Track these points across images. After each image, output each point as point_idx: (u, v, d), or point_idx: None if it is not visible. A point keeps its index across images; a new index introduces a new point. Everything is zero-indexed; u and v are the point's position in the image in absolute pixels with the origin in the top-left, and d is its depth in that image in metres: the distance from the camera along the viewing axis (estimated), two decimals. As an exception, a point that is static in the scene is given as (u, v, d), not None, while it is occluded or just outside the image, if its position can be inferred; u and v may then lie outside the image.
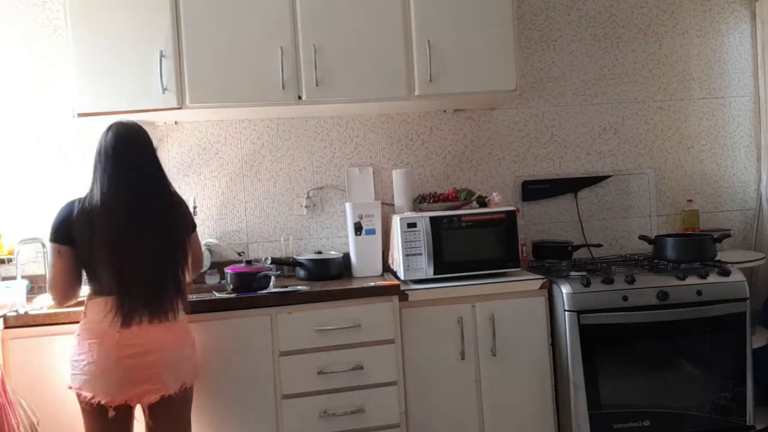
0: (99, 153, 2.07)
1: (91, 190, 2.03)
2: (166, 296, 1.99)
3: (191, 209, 2.84)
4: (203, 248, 2.86)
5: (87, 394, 1.93)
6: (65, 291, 2.05)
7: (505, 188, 3.19)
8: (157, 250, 2.00)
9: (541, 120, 3.23)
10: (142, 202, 2.01)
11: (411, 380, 2.55)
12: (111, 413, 1.92)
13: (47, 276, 2.07)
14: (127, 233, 1.96)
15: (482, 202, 2.89)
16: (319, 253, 2.90)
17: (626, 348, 2.57)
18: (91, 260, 1.97)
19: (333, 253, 2.91)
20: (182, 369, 2.01)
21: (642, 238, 2.99)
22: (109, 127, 2.09)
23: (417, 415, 2.55)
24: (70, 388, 2.00)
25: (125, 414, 1.98)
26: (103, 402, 1.92)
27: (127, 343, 1.91)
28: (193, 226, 2.23)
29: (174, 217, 2.08)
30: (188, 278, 2.14)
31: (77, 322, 2.28)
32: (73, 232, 1.97)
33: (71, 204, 2.03)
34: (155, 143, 2.94)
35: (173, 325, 2.00)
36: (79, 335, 1.98)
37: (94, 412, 1.95)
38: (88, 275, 2.02)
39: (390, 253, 2.85)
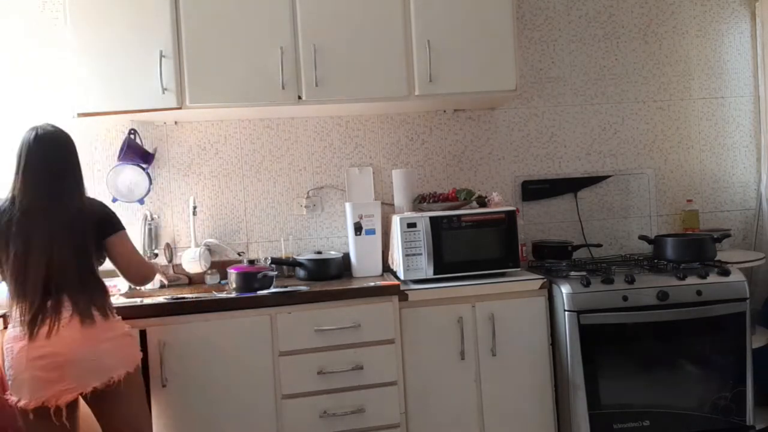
0: (19, 154, 2.03)
1: (11, 190, 2.02)
2: (78, 300, 1.99)
3: (192, 209, 2.85)
4: (202, 248, 2.87)
5: (14, 398, 1.94)
6: None
7: (505, 188, 3.19)
8: (64, 255, 1.99)
9: (541, 120, 3.24)
10: (53, 209, 2.00)
11: (411, 380, 2.55)
12: (31, 416, 1.93)
13: None
14: (33, 241, 1.96)
15: (482, 202, 2.89)
16: (319, 253, 2.90)
17: (626, 348, 2.57)
18: (6, 266, 1.99)
19: (333, 253, 2.91)
20: (101, 365, 1.99)
21: (642, 238, 2.99)
22: (33, 129, 2.07)
23: (417, 415, 2.55)
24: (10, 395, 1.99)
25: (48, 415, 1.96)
26: (21, 404, 1.93)
27: (36, 347, 1.93)
28: (116, 230, 2.13)
29: (82, 222, 2.04)
30: (128, 283, 2.26)
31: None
32: None
33: None
34: (155, 143, 2.97)
35: (88, 327, 1.98)
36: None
37: (26, 417, 1.96)
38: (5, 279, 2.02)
39: (390, 253, 2.85)
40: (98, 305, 2.03)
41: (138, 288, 2.70)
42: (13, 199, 2.00)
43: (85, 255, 2.04)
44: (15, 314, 1.97)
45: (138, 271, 2.20)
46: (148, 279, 2.25)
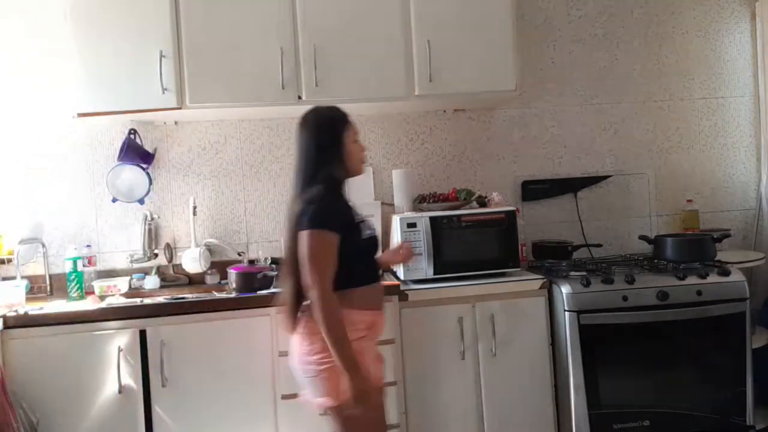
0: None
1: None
2: None
3: (192, 209, 2.85)
4: (202, 248, 2.87)
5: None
6: None
7: (505, 188, 3.18)
8: None
9: (541, 120, 3.23)
10: None
11: (411, 380, 2.54)
12: None
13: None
14: None
15: (482, 202, 2.89)
16: (319, 253, 2.89)
17: (626, 348, 2.57)
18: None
19: (333, 253, 2.90)
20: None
21: (642, 238, 2.99)
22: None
23: (417, 415, 2.55)
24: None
25: None
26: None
27: None
28: (300, 227, 1.90)
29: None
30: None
31: (75, 323, 2.30)
32: None
33: None
34: (155, 143, 2.97)
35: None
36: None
37: None
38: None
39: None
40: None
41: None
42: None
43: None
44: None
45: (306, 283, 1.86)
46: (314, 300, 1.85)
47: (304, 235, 1.84)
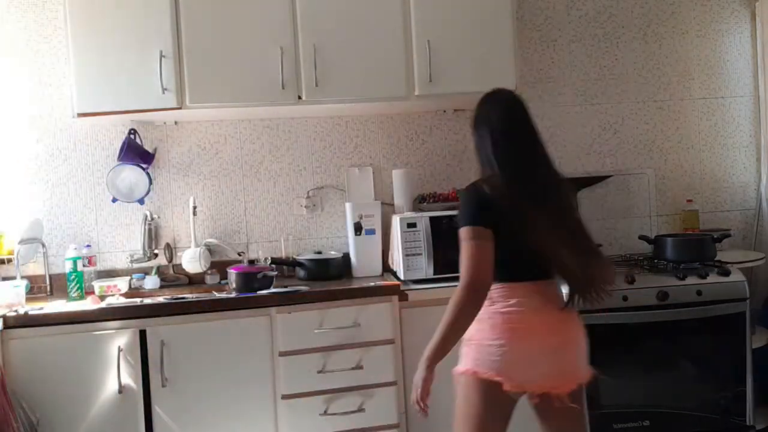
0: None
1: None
2: None
3: (192, 209, 2.85)
4: (202, 248, 2.86)
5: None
6: None
7: (505, 188, 3.18)
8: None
9: (541, 120, 3.20)
10: None
11: (411, 380, 2.53)
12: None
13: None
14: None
15: (482, 202, 2.88)
16: (319, 253, 2.90)
17: (626, 348, 2.57)
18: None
19: (333, 253, 2.91)
20: None
21: (642, 238, 2.98)
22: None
23: (417, 415, 2.54)
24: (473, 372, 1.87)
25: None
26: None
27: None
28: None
29: None
30: None
31: (75, 323, 2.30)
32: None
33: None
34: (155, 143, 2.97)
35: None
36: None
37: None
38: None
39: (390, 253, 2.85)
40: None
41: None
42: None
43: None
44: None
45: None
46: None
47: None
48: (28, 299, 2.60)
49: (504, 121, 1.90)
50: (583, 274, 1.83)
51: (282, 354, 2.42)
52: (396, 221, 2.70)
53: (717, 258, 2.80)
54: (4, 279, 2.72)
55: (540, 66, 3.22)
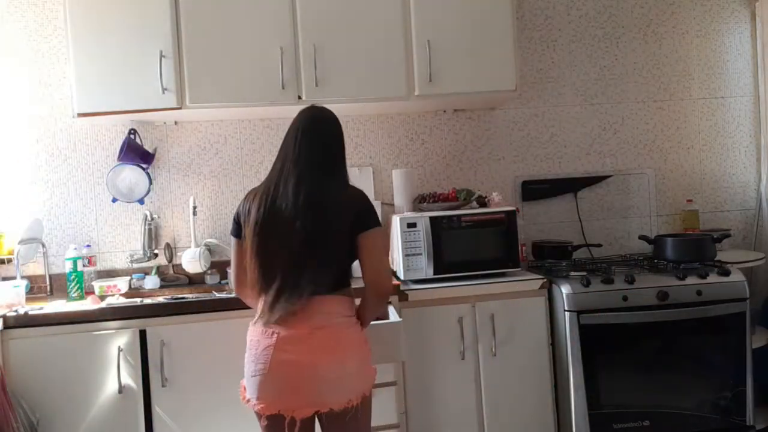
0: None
1: None
2: None
3: (192, 209, 2.85)
4: (202, 248, 2.86)
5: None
6: None
7: (505, 188, 3.19)
8: None
9: (541, 120, 3.23)
10: None
11: (411, 380, 2.54)
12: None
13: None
14: None
15: (482, 202, 2.89)
16: (319, 253, 2.89)
17: (626, 348, 2.57)
18: None
19: (333, 253, 2.90)
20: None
21: (642, 238, 2.98)
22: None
23: (417, 415, 2.55)
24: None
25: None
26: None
27: None
28: None
29: None
30: None
31: (75, 323, 2.30)
32: None
33: None
34: (155, 143, 2.97)
35: None
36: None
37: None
38: None
39: (390, 253, 2.85)
40: None
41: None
42: None
43: None
44: None
45: None
46: None
47: (377, 233, 1.85)
48: (28, 299, 2.60)
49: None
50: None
51: (282, 354, 2.42)
52: (396, 221, 2.70)
53: (717, 258, 2.80)
54: (4, 279, 2.72)
55: (540, 66, 3.22)
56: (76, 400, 2.31)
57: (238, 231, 1.92)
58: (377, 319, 2.00)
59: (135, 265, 2.89)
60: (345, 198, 1.86)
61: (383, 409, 2.47)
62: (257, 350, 1.82)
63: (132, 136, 2.87)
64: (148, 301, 2.51)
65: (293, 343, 1.78)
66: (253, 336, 1.86)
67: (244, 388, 1.90)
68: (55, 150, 2.91)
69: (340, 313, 1.82)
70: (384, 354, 2.00)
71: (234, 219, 1.94)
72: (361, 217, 1.83)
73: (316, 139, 1.92)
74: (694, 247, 2.80)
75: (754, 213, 3.33)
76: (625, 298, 2.55)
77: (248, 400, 1.87)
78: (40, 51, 2.89)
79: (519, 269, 2.73)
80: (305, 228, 1.77)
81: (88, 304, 2.48)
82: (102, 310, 2.37)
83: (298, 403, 1.77)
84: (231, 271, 2.05)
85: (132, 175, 2.85)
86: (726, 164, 3.34)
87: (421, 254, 2.63)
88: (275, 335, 1.79)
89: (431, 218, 2.65)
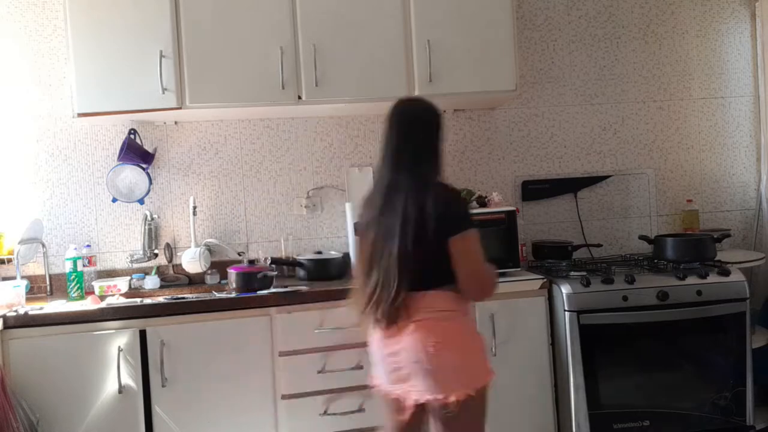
0: None
1: None
2: None
3: (192, 209, 2.85)
4: (202, 248, 2.86)
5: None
6: None
7: (505, 188, 3.19)
8: None
9: (541, 120, 3.23)
10: None
11: (411, 380, 2.54)
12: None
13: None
14: None
15: (482, 202, 2.89)
16: (319, 253, 2.90)
17: (626, 348, 2.57)
18: None
19: (333, 253, 2.91)
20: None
21: (642, 238, 2.99)
22: None
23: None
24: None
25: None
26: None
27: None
28: None
29: None
30: None
31: (75, 323, 2.29)
32: None
33: None
34: (155, 143, 2.97)
35: None
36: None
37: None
38: None
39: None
40: None
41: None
42: None
43: None
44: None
45: None
46: None
47: (472, 235, 1.85)
48: (28, 299, 2.60)
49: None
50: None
51: (282, 354, 2.42)
52: (396, 221, 2.69)
53: (717, 258, 2.80)
54: (4, 279, 2.72)
55: (540, 66, 3.22)
56: (76, 400, 2.31)
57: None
58: None
59: (135, 265, 2.89)
60: (433, 199, 1.83)
61: (383, 409, 2.47)
62: (373, 342, 1.94)
63: (132, 136, 2.87)
64: (148, 301, 2.51)
65: (395, 336, 1.85)
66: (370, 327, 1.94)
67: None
68: (55, 150, 2.91)
69: (442, 308, 1.84)
70: None
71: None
72: (447, 222, 1.82)
73: (401, 135, 1.93)
74: (694, 247, 2.80)
75: (754, 213, 3.33)
76: (625, 298, 2.55)
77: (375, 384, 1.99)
78: (40, 51, 2.89)
79: (519, 269, 2.73)
80: (404, 225, 1.81)
81: (88, 304, 2.48)
82: (102, 310, 2.37)
83: (406, 390, 1.86)
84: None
85: (132, 175, 2.85)
86: (726, 164, 3.34)
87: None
88: (380, 329, 1.89)
89: (431, 218, 2.65)
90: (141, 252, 2.89)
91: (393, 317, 1.84)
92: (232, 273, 2.57)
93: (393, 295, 1.81)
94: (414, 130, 1.93)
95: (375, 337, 1.93)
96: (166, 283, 2.89)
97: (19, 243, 2.69)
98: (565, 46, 3.24)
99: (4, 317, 2.27)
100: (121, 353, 2.33)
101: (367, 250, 1.89)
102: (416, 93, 2.74)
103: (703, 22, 3.31)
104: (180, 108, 2.62)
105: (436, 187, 1.88)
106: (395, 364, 1.87)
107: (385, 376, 1.93)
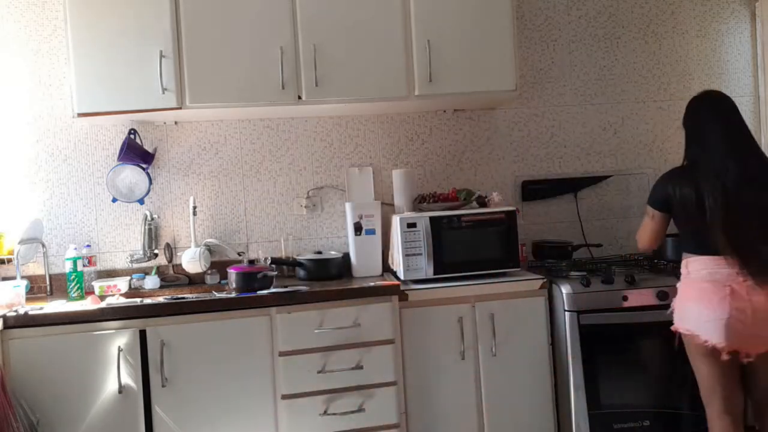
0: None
1: None
2: None
3: (192, 209, 2.85)
4: (202, 248, 2.86)
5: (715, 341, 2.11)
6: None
7: (505, 188, 3.19)
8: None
9: (541, 120, 3.23)
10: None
11: (411, 380, 2.54)
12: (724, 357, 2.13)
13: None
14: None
15: (482, 202, 2.89)
16: (319, 253, 2.90)
17: (626, 348, 2.57)
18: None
19: (333, 253, 2.91)
20: None
21: (642, 238, 2.98)
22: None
23: (417, 415, 2.55)
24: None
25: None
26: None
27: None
28: None
29: None
30: None
31: (75, 323, 2.29)
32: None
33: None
34: (155, 143, 2.97)
35: None
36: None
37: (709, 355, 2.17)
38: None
39: (390, 253, 2.85)
40: None
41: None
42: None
43: None
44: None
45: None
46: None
47: None
48: (28, 299, 2.60)
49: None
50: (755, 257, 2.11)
51: (282, 354, 2.43)
52: (396, 221, 2.70)
53: (717, 258, 2.79)
54: (4, 279, 2.72)
55: (540, 66, 3.22)
56: (77, 400, 2.31)
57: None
58: None
59: (135, 265, 2.89)
60: None
61: (383, 409, 2.47)
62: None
63: (132, 136, 2.87)
64: (148, 301, 2.51)
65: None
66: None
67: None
68: (55, 150, 2.91)
69: None
70: None
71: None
72: None
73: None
74: (694, 247, 2.79)
75: (754, 213, 3.32)
76: (625, 298, 2.55)
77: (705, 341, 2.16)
78: (40, 51, 2.89)
79: (519, 269, 2.73)
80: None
81: (88, 304, 2.48)
82: (102, 310, 2.37)
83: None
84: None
85: (132, 175, 2.85)
86: (726, 164, 3.33)
87: (421, 254, 2.63)
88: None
89: (431, 218, 2.65)
90: (141, 252, 2.89)
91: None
92: (232, 273, 2.57)
93: None
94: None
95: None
96: (166, 283, 2.89)
97: (19, 243, 2.69)
98: (565, 46, 3.24)
99: (4, 317, 2.27)
100: (121, 353, 2.33)
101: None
102: (416, 93, 2.74)
103: (703, 22, 3.31)
104: (180, 108, 2.62)
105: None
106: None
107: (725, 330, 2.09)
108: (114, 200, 2.85)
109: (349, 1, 2.70)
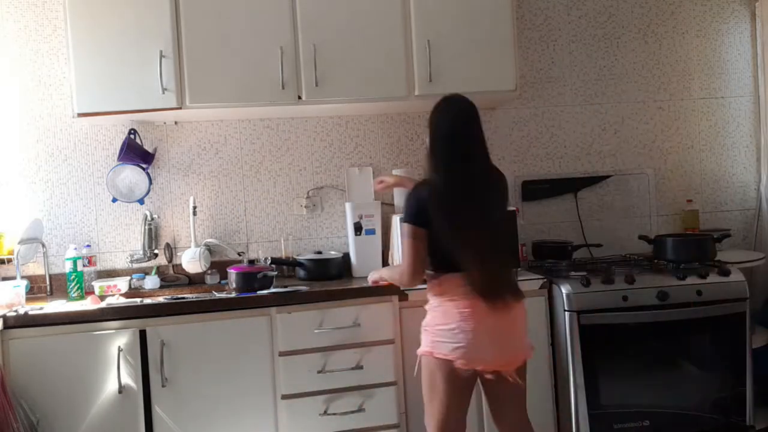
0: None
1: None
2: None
3: (192, 209, 2.85)
4: (202, 248, 2.86)
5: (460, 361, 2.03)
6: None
7: (505, 188, 3.18)
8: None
9: (541, 120, 3.23)
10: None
11: (411, 380, 2.54)
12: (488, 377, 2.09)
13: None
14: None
15: (482, 202, 2.89)
16: (319, 253, 2.90)
17: (626, 348, 2.57)
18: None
19: (333, 253, 2.91)
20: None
21: (642, 238, 2.98)
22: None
23: (417, 415, 2.54)
24: (430, 354, 2.11)
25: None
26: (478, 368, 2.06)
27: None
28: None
29: None
30: None
31: (75, 323, 2.29)
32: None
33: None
34: (155, 143, 2.97)
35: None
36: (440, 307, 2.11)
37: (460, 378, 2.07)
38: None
39: (390, 253, 2.85)
40: None
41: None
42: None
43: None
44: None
45: None
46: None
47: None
48: (28, 299, 2.60)
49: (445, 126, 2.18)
50: (484, 274, 2.06)
51: (282, 354, 2.43)
52: (396, 221, 2.69)
53: (717, 258, 2.80)
54: (4, 279, 2.72)
55: (540, 66, 3.22)
56: (76, 400, 2.31)
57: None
58: None
59: (135, 265, 2.89)
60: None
61: (383, 409, 2.47)
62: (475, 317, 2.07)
63: (132, 136, 2.87)
64: (148, 301, 2.51)
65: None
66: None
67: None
68: (55, 150, 2.91)
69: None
70: None
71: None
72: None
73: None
74: (694, 247, 2.80)
75: (754, 213, 3.33)
76: (625, 298, 2.55)
77: None
78: (40, 51, 2.89)
79: (519, 269, 2.73)
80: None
81: (88, 304, 2.48)
82: (102, 310, 2.37)
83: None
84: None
85: (132, 175, 2.85)
86: (726, 164, 3.34)
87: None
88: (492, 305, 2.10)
89: (431, 218, 2.64)
90: (141, 252, 2.89)
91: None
92: (232, 273, 2.57)
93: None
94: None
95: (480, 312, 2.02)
96: (166, 283, 2.89)
97: (19, 243, 2.69)
98: (565, 46, 3.24)
99: (4, 317, 2.27)
100: (121, 353, 2.33)
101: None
102: (416, 93, 2.74)
103: (703, 22, 3.31)
104: (180, 108, 2.62)
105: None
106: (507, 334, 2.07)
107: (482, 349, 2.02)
108: (114, 200, 2.85)
109: (349, 1, 2.70)
